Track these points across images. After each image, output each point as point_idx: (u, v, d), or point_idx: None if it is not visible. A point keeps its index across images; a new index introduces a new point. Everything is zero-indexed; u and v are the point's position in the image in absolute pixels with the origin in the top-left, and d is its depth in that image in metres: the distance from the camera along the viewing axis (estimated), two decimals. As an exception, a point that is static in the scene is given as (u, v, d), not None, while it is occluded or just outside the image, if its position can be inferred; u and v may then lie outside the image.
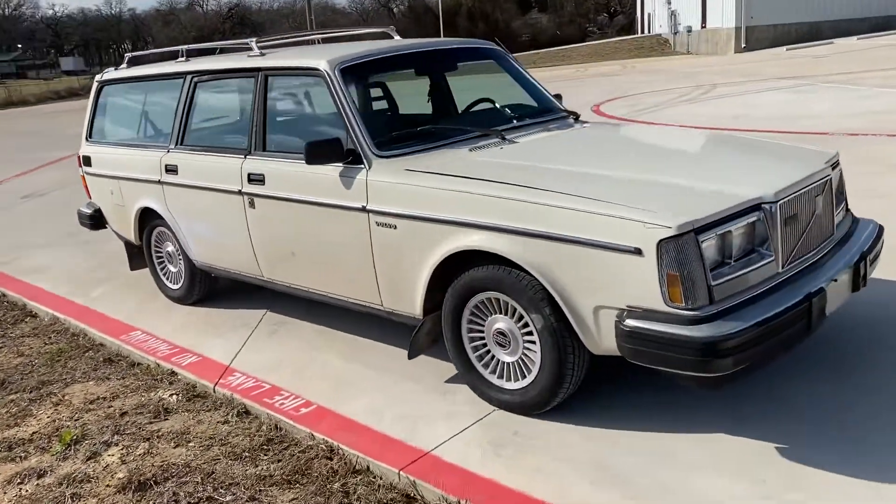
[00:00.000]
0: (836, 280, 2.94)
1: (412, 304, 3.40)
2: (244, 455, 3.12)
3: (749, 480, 2.61)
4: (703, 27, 31.73)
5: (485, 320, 3.22)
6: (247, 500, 2.82)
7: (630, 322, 2.68)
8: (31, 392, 3.92)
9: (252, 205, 4.00)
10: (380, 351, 3.91)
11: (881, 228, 3.52)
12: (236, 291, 4.94)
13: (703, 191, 2.84)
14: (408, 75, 4.56)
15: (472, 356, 3.29)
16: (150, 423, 3.46)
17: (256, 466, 3.03)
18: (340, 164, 3.52)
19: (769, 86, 14.95)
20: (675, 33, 34.91)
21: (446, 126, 4.06)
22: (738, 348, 2.55)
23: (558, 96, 4.50)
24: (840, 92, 13.02)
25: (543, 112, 4.22)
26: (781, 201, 2.82)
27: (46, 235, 7.25)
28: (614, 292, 2.73)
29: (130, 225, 5.03)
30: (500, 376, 3.22)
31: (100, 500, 2.92)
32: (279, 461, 3.05)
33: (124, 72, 5.14)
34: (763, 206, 2.78)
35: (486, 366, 3.27)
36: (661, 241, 2.57)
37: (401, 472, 2.84)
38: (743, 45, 28.17)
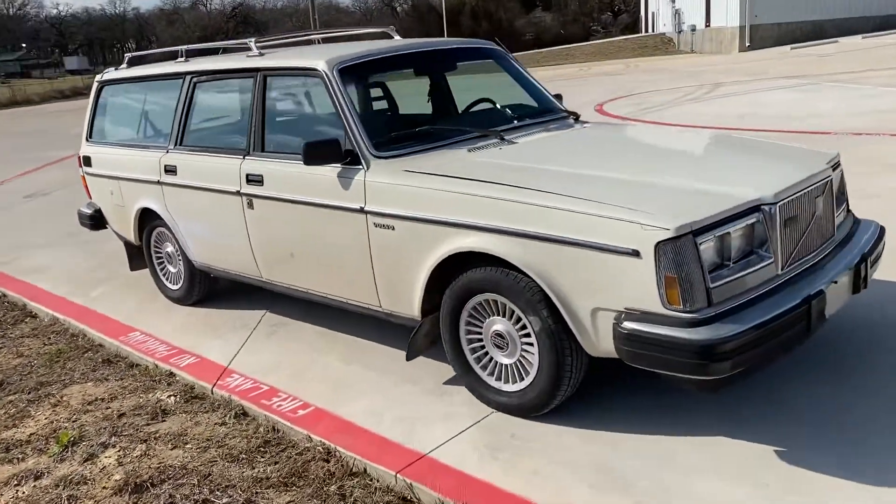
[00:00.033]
0: (836, 282, 2.91)
1: (410, 305, 3.39)
2: (241, 457, 3.10)
3: (750, 484, 2.59)
4: (707, 26, 31.66)
5: (483, 322, 3.20)
6: (243, 503, 2.81)
7: (628, 324, 2.67)
8: (29, 393, 3.91)
9: (251, 205, 3.99)
10: (379, 352, 3.90)
11: (882, 230, 3.49)
12: (236, 292, 4.93)
13: (702, 192, 2.82)
14: (408, 75, 4.54)
15: (471, 358, 3.28)
16: (148, 424, 3.46)
17: (253, 468, 3.02)
18: (338, 165, 3.51)
19: (773, 85, 14.91)
20: (679, 32, 34.84)
21: (445, 127, 4.05)
22: (736, 351, 2.53)
23: (558, 96, 4.48)
24: (844, 91, 12.97)
25: (543, 112, 4.20)
26: (781, 203, 2.80)
27: (47, 235, 7.26)
28: (612, 294, 2.71)
29: (130, 225, 5.02)
30: (499, 378, 3.20)
31: (96, 503, 2.91)
32: (276, 463, 3.04)
33: (124, 72, 5.14)
34: (762, 207, 2.76)
35: (484, 368, 3.25)
36: (658, 242, 2.55)
37: (397, 475, 2.82)
38: (747, 44, 28.11)
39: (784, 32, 28.29)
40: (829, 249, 3.11)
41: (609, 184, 2.97)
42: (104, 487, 2.99)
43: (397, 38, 4.74)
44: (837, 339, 3.48)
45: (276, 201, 3.84)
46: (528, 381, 3.08)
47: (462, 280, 3.16)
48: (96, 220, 5.40)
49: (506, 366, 3.17)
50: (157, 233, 4.94)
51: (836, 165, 3.30)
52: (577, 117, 4.25)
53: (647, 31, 41.80)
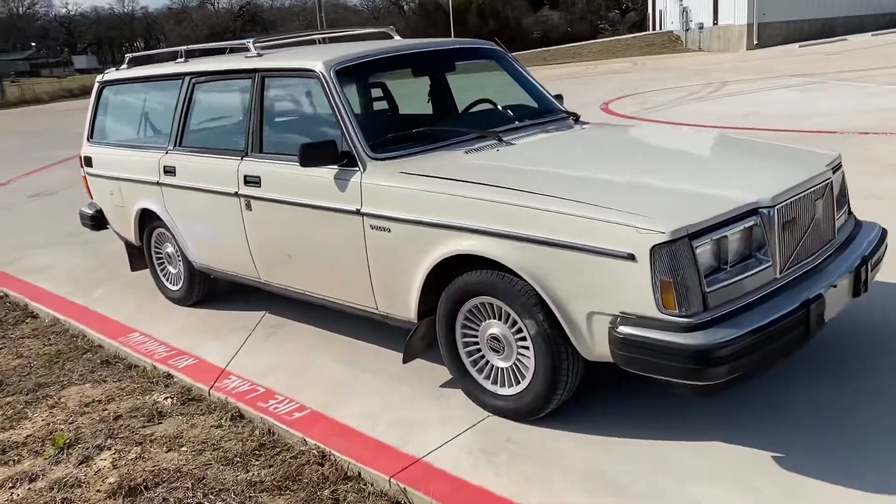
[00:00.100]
0: (835, 286, 2.88)
1: (407, 308, 3.37)
2: (235, 460, 3.09)
3: (744, 489, 2.56)
4: (714, 24, 31.54)
5: (479, 325, 3.18)
6: (236, 507, 2.80)
7: (623, 329, 2.64)
8: (27, 394, 3.91)
9: (248, 207, 3.98)
10: (376, 354, 3.89)
11: (884, 232, 3.45)
12: (236, 293, 4.92)
13: (699, 195, 2.79)
14: (410, 75, 4.52)
15: (467, 361, 3.26)
16: (144, 426, 3.45)
17: (247, 472, 3.01)
18: (335, 167, 3.49)
19: (780, 83, 14.83)
20: (687, 30, 34.72)
21: (442, 128, 4.03)
22: (732, 356, 2.50)
23: (559, 97, 4.45)
24: (851, 89, 12.89)
25: (543, 113, 4.17)
26: (779, 206, 2.77)
27: (50, 235, 7.27)
28: (607, 298, 2.68)
29: (130, 226, 5.02)
30: (495, 382, 3.18)
31: (90, 506, 2.91)
32: (270, 467, 3.03)
33: (125, 72, 5.13)
34: (760, 210, 2.73)
35: (480, 371, 3.23)
36: (654, 246, 2.52)
37: (391, 479, 2.81)
38: (755, 42, 27.99)
39: (792, 30, 28.16)
40: (829, 252, 3.08)
41: (605, 186, 2.94)
42: (98, 490, 2.98)
43: (397, 38, 4.72)
44: (838, 343, 3.45)
45: (273, 203, 3.83)
46: (524, 384, 3.06)
47: (458, 283, 3.14)
48: (97, 221, 5.40)
49: (502, 369, 3.15)
50: (157, 233, 4.94)
51: (836, 167, 3.26)
52: (576, 118, 4.22)
53: (654, 29, 41.69)
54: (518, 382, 3.09)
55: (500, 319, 3.09)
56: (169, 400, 3.68)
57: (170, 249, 4.88)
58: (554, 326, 2.86)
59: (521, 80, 4.41)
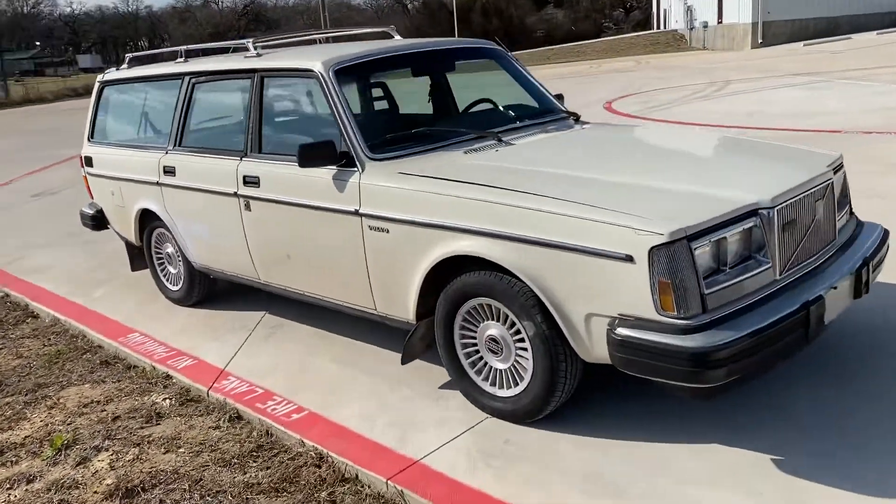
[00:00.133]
0: (835, 287, 2.86)
1: (405, 308, 3.36)
2: (233, 462, 3.08)
3: (744, 492, 2.55)
4: (719, 22, 31.45)
5: (477, 326, 3.17)
6: (233, 509, 2.79)
7: (621, 330, 2.62)
8: (26, 395, 3.91)
9: (248, 207, 3.97)
10: (375, 355, 3.87)
11: (886, 233, 3.43)
12: (235, 293, 4.91)
13: (698, 196, 2.77)
14: (410, 75, 4.50)
15: (465, 363, 3.24)
16: (142, 427, 3.44)
17: (245, 473, 3.00)
18: (334, 167, 3.48)
19: (785, 82, 14.78)
20: (691, 29, 34.63)
21: (441, 128, 4.01)
22: (730, 359, 2.48)
23: (559, 96, 4.43)
24: (856, 88, 12.84)
25: (543, 113, 4.16)
26: (779, 207, 2.74)
27: (52, 235, 7.27)
28: (606, 300, 2.67)
29: (131, 226, 5.01)
30: (493, 383, 3.17)
31: (87, 507, 2.91)
32: (268, 468, 3.02)
33: (125, 72, 5.13)
34: (760, 211, 2.71)
35: (478, 372, 3.22)
36: (652, 248, 2.51)
37: (389, 482, 2.79)
38: (759, 41, 27.90)
39: (797, 29, 28.06)
40: (829, 254, 3.06)
41: (604, 187, 2.93)
42: (95, 492, 2.97)
43: (397, 37, 4.70)
44: (839, 344, 3.43)
45: (272, 203, 3.82)
46: (522, 386, 3.04)
47: (456, 284, 3.13)
48: (98, 221, 5.40)
49: (500, 371, 3.13)
50: (157, 233, 4.93)
51: (837, 168, 3.24)
52: (577, 118, 4.21)
53: (658, 27, 41.61)
54: (516, 384, 3.07)
55: (498, 321, 3.08)
56: (167, 401, 3.68)
57: (170, 250, 4.87)
58: (552, 328, 2.84)
59: (521, 79, 4.39)
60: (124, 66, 5.23)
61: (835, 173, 3.16)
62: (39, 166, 12.67)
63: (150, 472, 3.06)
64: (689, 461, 2.74)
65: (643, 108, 12.77)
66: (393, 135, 3.69)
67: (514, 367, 3.07)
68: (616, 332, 2.63)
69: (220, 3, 74.02)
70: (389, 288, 3.40)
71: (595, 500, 2.59)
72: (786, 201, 2.78)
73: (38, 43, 75.83)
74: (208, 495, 2.88)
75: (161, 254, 5.01)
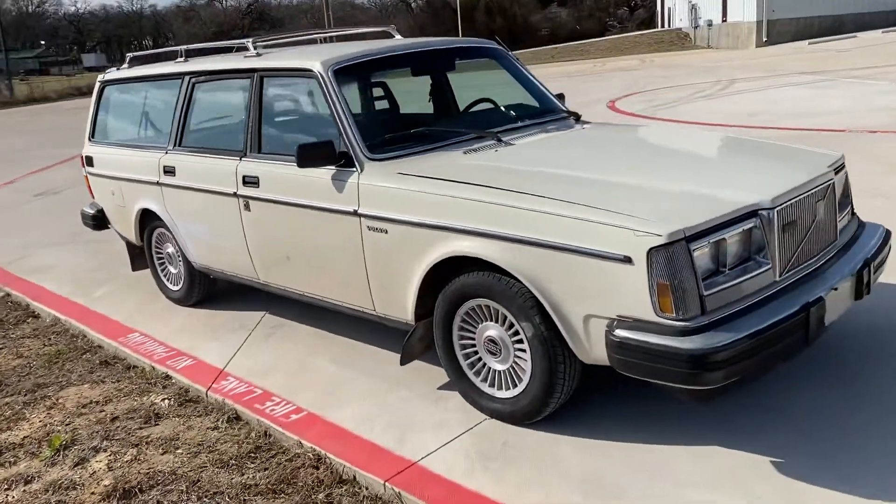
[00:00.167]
0: (836, 289, 2.84)
1: (404, 309, 3.35)
2: (231, 463, 3.08)
3: (744, 495, 2.53)
4: (723, 21, 31.38)
5: (476, 327, 3.15)
6: (230, 510, 2.78)
7: (620, 332, 2.61)
8: (25, 395, 3.91)
9: (247, 207, 3.96)
10: (375, 356, 3.86)
11: (888, 233, 3.40)
12: (236, 293, 4.91)
13: (697, 196, 2.75)
14: (410, 74, 4.49)
15: (464, 364, 3.23)
16: (141, 428, 3.44)
17: (242, 475, 2.99)
18: (333, 167, 3.47)
19: (789, 81, 14.74)
20: (696, 27, 34.56)
21: (440, 128, 4.00)
22: (729, 361, 2.47)
23: (560, 96, 4.42)
24: (861, 87, 12.79)
25: (543, 113, 4.14)
26: (779, 207, 2.72)
27: (54, 234, 7.27)
28: (604, 301, 2.65)
29: (131, 226, 5.01)
30: (492, 385, 3.16)
31: (84, 508, 2.90)
32: (265, 469, 3.01)
33: (125, 72, 5.13)
34: (760, 212, 2.69)
35: (477, 374, 3.20)
36: (651, 249, 2.49)
37: (386, 483, 2.78)
38: (764, 39, 27.82)
39: (802, 27, 27.97)
40: (830, 255, 3.04)
41: (603, 187, 2.91)
42: (93, 493, 2.97)
43: (398, 37, 4.69)
44: (839, 345, 3.41)
45: (271, 203, 3.81)
46: (521, 387, 3.03)
47: (455, 285, 3.11)
48: (99, 221, 5.40)
49: (499, 372, 3.12)
50: (157, 233, 4.93)
51: (839, 168, 3.22)
52: (577, 117, 4.19)
53: (663, 26, 41.53)
54: (515, 385, 3.06)
55: (497, 322, 3.06)
56: (166, 401, 3.67)
57: (170, 249, 4.87)
58: (550, 329, 2.83)
59: (521, 79, 4.38)
60: (125, 65, 5.22)
61: (836, 173, 3.14)
62: (42, 165, 12.69)
63: (148, 473, 3.05)
64: (688, 464, 2.72)
65: (647, 107, 12.74)
66: (392, 135, 3.68)
67: (513, 368, 3.06)
68: (614, 333, 2.62)
69: (223, 1, 74.10)
70: (388, 288, 3.39)
71: (593, 503, 2.57)
72: (786, 202, 2.76)
73: (42, 42, 75.99)
74: (206, 496, 2.88)
75: (161, 254, 5.00)
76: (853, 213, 3.44)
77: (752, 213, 2.68)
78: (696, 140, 4.12)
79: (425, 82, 4.58)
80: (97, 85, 5.33)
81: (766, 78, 15.75)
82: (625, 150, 3.65)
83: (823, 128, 8.98)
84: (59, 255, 6.50)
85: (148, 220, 4.89)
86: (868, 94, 11.74)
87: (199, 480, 2.98)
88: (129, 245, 5.26)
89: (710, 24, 32.76)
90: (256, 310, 4.67)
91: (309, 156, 3.40)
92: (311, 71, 3.65)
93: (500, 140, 3.61)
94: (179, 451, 3.21)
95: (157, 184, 4.58)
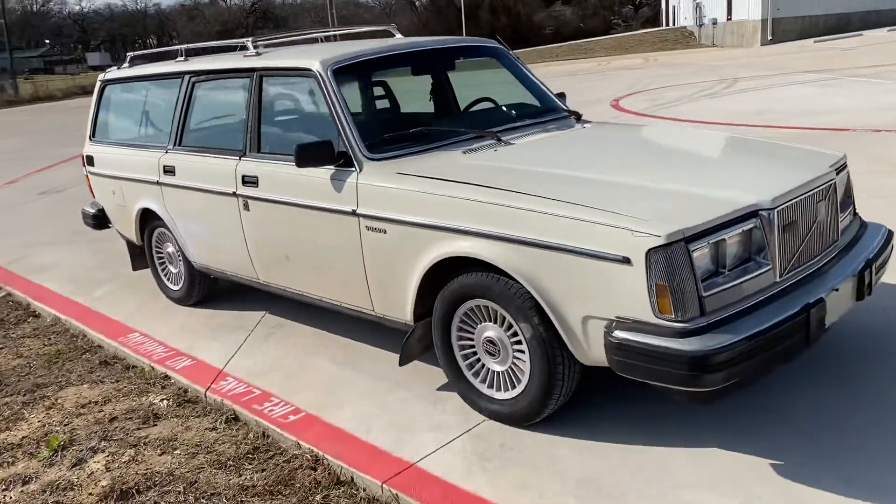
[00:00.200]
0: (837, 289, 2.81)
1: (403, 309, 3.33)
2: (228, 464, 3.07)
3: (743, 496, 2.52)
4: (728, 19, 31.30)
5: (475, 328, 3.14)
6: (227, 512, 2.77)
7: (618, 333, 2.59)
8: (25, 395, 3.90)
9: (246, 207, 3.95)
10: (374, 356, 3.85)
11: (891, 233, 3.38)
12: (236, 293, 4.90)
13: (697, 196, 2.73)
14: (409, 74, 4.47)
15: (462, 364, 3.21)
16: (139, 428, 3.43)
17: (240, 476, 2.98)
18: (331, 167, 3.45)
19: (794, 79, 14.69)
20: (701, 26, 34.48)
21: (440, 128, 3.98)
22: (729, 362, 2.45)
23: (561, 95, 4.40)
24: (867, 86, 12.74)
25: (544, 112, 4.12)
26: (779, 208, 2.70)
27: (56, 233, 7.28)
28: (603, 302, 2.63)
29: (132, 225, 5.01)
30: (491, 386, 3.14)
31: (81, 509, 2.89)
32: (263, 471, 3.00)
33: (126, 71, 5.12)
34: (760, 212, 2.67)
35: (476, 375, 3.19)
36: (649, 250, 2.47)
37: (383, 485, 2.77)
38: (769, 38, 27.74)
39: (807, 25, 27.89)
40: (831, 255, 3.01)
41: (602, 187, 2.89)
42: (90, 494, 2.96)
43: (399, 36, 4.67)
44: (840, 345, 3.39)
45: (271, 203, 3.80)
46: (519, 389, 3.01)
47: (453, 285, 3.10)
48: (99, 220, 5.40)
49: (498, 373, 3.11)
50: (157, 233, 4.92)
51: (841, 168, 3.19)
52: (578, 117, 4.17)
53: (667, 24, 41.43)
54: (514, 387, 3.04)
55: (495, 322, 3.05)
56: (165, 402, 3.66)
57: (170, 249, 4.86)
58: (549, 330, 2.81)
59: (522, 78, 4.35)
60: (125, 64, 5.21)
61: (838, 173, 3.12)
62: (47, 164, 12.71)
63: (146, 474, 3.05)
64: (687, 465, 2.70)
65: (651, 106, 12.70)
66: (391, 134, 3.66)
67: (512, 369, 3.04)
68: (613, 334, 2.60)
69: (228, 0, 74.15)
70: (387, 289, 3.37)
71: (591, 505, 2.56)
72: (787, 202, 2.74)
73: (47, 41, 76.15)
74: (203, 498, 2.87)
75: (162, 253, 5.00)
76: (855, 213, 3.42)
77: (752, 214, 2.66)
78: (696, 139, 4.09)
79: (427, 82, 4.57)
80: (97, 84, 5.33)
81: (771, 76, 15.70)
82: (624, 150, 3.63)
83: (828, 127, 8.94)
84: (61, 254, 6.50)
85: (148, 219, 4.88)
86: (873, 93, 11.69)
87: (196, 481, 2.97)
88: (130, 244, 5.26)
89: (714, 22, 32.67)
90: (257, 310, 4.66)
91: (308, 156, 3.39)
92: (310, 70, 3.64)
93: (499, 140, 3.59)
94: (177, 451, 3.21)
95: (157, 183, 4.57)
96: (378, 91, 4.61)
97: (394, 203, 3.22)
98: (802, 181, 2.86)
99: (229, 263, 4.33)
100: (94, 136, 5.33)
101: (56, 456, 3.27)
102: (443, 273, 3.13)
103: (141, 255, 5.18)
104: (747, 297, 2.63)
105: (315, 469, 2.96)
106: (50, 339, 4.70)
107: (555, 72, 24.64)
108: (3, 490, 3.07)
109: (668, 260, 2.46)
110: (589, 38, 39.31)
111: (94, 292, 5.35)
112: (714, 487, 2.57)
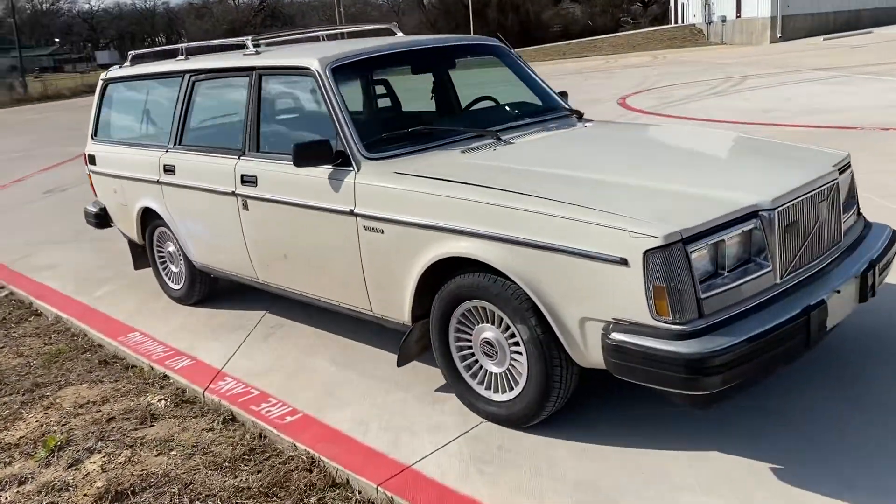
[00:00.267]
0: (839, 291, 2.77)
1: (400, 310, 3.31)
2: (224, 465, 3.05)
3: (742, 500, 2.48)
4: (737, 16, 31.14)
5: (472, 329, 3.11)
6: (221, 514, 2.76)
7: (616, 335, 2.56)
8: (24, 394, 3.90)
9: (245, 206, 3.94)
10: (373, 356, 3.83)
11: (895, 234, 3.33)
12: (237, 292, 4.89)
13: (696, 196, 2.69)
14: (409, 72, 4.45)
15: (460, 366, 3.19)
16: (136, 429, 3.42)
17: (235, 477, 2.96)
18: (330, 167, 3.43)
19: (803, 77, 14.59)
20: (709, 23, 34.30)
21: (439, 127, 3.95)
22: (727, 365, 2.41)
23: (563, 94, 4.36)
24: (876, 84, 12.64)
25: (545, 111, 4.09)
26: (780, 208, 2.66)
27: (59, 232, 7.29)
28: (600, 304, 2.60)
29: (133, 224, 5.00)
30: (488, 387, 3.11)
31: (76, 510, 2.88)
32: (259, 472, 2.98)
33: (127, 70, 5.11)
34: (760, 213, 2.63)
35: (473, 376, 3.16)
36: (647, 251, 2.44)
37: (379, 488, 2.75)
38: (779, 35, 27.59)
39: (817, 22, 27.72)
40: (834, 256, 2.97)
41: (601, 187, 2.86)
42: (85, 495, 2.95)
43: (400, 34, 4.65)
44: (841, 347, 3.35)
45: (269, 203, 3.78)
46: (517, 391, 2.98)
47: (451, 286, 3.07)
48: (101, 219, 5.40)
49: (495, 375, 3.08)
50: (158, 232, 4.92)
51: (844, 168, 3.15)
52: (580, 115, 4.13)
53: (676, 22, 41.25)
54: (511, 388, 3.02)
55: (493, 324, 3.02)
56: (163, 402, 3.65)
57: (171, 248, 4.86)
58: (546, 332, 2.78)
59: (524, 76, 4.32)
60: (127, 63, 5.21)
61: (841, 173, 3.07)
62: (53, 162, 12.75)
63: (141, 475, 3.03)
64: (685, 468, 2.67)
65: (658, 104, 12.64)
66: (389, 134, 3.63)
67: (509, 371, 3.01)
68: (610, 336, 2.57)
69: (236, -1, 74.17)
70: (385, 289, 3.35)
71: (588, 508, 2.53)
72: (787, 202, 2.70)
73: (56, 39, 76.43)
74: (198, 499, 2.85)
75: (163, 252, 4.99)
76: (859, 214, 3.37)
77: (752, 214, 2.62)
78: (698, 139, 4.05)
79: (429, 80, 4.54)
80: (99, 83, 5.33)
81: (779, 74, 15.61)
82: (625, 149, 3.59)
83: (835, 125, 8.86)
84: (65, 252, 6.51)
85: (149, 218, 4.87)
86: (883, 91, 11.60)
87: (191, 483, 2.95)
88: (132, 244, 5.26)
89: (723, 19, 32.51)
90: (257, 309, 4.65)
91: (305, 155, 3.37)
92: (308, 69, 3.62)
93: (499, 139, 3.56)
94: (173, 452, 3.19)
95: (158, 182, 4.56)
96: (378, 90, 4.58)
97: (391, 203, 3.19)
98: (804, 181, 2.81)
99: (229, 263, 4.31)
100: (95, 135, 5.33)
101: (52, 456, 3.25)
102: (440, 274, 3.11)
103: (142, 255, 5.17)
104: (747, 299, 2.59)
105: (311, 471, 2.94)
106: (51, 338, 4.70)
107: (562, 70, 24.58)
108: (0, 490, 3.06)
109: (666, 261, 2.43)
110: (597, 36, 39.18)
111: (95, 291, 5.35)
112: (713, 490, 2.53)
